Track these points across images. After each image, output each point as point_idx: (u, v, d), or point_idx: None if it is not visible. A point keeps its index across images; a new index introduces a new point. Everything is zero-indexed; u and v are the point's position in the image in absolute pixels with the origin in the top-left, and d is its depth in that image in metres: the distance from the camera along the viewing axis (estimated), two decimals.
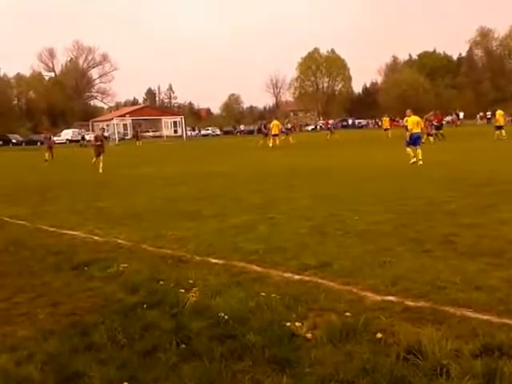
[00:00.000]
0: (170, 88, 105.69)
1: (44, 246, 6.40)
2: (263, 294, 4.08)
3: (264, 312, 3.72)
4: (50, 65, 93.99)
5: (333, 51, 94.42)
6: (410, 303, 3.82)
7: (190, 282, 4.50)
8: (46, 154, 25.15)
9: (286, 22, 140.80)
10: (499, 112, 26.53)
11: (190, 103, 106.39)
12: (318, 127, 73.57)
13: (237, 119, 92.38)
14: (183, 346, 3.27)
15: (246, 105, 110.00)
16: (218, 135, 72.89)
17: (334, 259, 5.08)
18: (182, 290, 4.27)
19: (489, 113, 61.29)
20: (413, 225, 6.57)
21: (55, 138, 45.17)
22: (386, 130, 35.47)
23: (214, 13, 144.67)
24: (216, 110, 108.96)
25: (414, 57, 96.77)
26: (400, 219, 6.97)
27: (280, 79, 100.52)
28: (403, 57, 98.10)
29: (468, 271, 4.48)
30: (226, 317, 3.61)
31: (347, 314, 3.62)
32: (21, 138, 62.62)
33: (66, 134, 65.02)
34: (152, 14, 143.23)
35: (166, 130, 70.04)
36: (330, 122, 48.07)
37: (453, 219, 6.80)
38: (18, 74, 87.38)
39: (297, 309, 3.76)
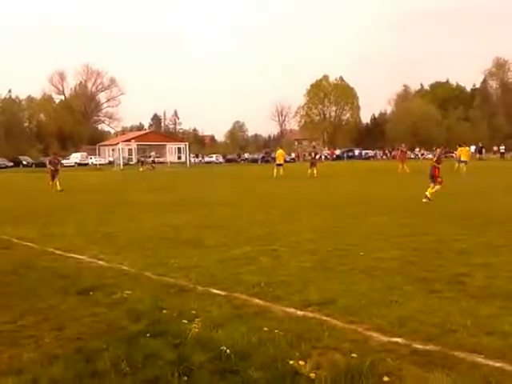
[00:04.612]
0: (176, 114, 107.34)
1: (51, 268, 6.51)
2: (266, 329, 4.10)
3: (267, 348, 3.73)
4: (60, 88, 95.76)
5: (341, 79, 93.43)
6: (418, 346, 3.75)
7: (193, 312, 4.56)
8: (58, 183, 21.04)
9: (295, 49, 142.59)
10: None
11: (195, 129, 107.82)
12: (323, 157, 73.69)
13: (241, 147, 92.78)
14: (185, 378, 3.30)
15: (250, 132, 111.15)
16: (221, 163, 72.90)
17: (339, 296, 5.03)
18: (185, 321, 4.32)
19: (502, 147, 58.89)
20: (421, 263, 6.43)
21: (64, 161, 45.40)
22: (462, 162, 28.24)
23: (220, 40, 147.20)
24: (220, 137, 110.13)
25: (426, 87, 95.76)
26: (408, 256, 6.84)
27: (286, 107, 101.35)
28: (414, 87, 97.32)
29: (479, 315, 4.40)
30: (228, 351, 3.64)
31: (353, 355, 3.58)
32: (31, 160, 63.73)
33: (75, 157, 66.47)
34: (159, 41, 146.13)
35: (170, 156, 70.63)
36: (316, 152, 41.18)
37: (463, 258, 6.64)
38: (29, 96, 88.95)
39: (300, 346, 3.75)
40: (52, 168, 21.77)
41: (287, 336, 3.94)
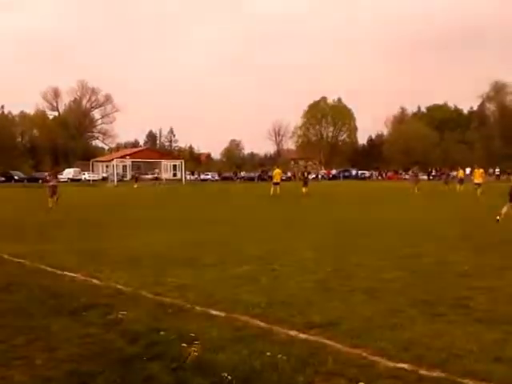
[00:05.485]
0: (171, 131, 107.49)
1: (43, 286, 6.31)
2: (269, 353, 3.94)
3: (269, 373, 3.58)
4: (54, 104, 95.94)
5: (339, 100, 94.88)
6: (424, 372, 3.63)
7: (192, 334, 4.38)
8: (50, 200, 20.22)
9: (292, 70, 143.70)
10: None
11: (191, 147, 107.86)
12: (320, 176, 74.34)
13: (237, 165, 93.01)
14: None
15: (246, 151, 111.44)
16: (217, 180, 72.80)
17: (342, 318, 4.92)
18: (184, 344, 4.14)
19: (498, 170, 60.09)
20: (423, 285, 6.34)
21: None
22: (476, 184, 27.74)
23: (216, 58, 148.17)
24: (216, 155, 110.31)
25: (423, 109, 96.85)
26: (409, 278, 6.76)
27: (283, 127, 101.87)
28: (412, 109, 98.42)
29: (485, 339, 4.28)
30: (229, 377, 3.49)
31: (361, 383, 3.43)
32: (23, 175, 63.75)
33: (68, 173, 66.53)
34: (155, 58, 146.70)
35: (166, 173, 70.62)
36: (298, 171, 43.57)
37: (466, 281, 6.53)
38: (22, 111, 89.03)
39: (304, 371, 3.62)
40: (53, 184, 21.40)
41: (290, 360, 3.80)
